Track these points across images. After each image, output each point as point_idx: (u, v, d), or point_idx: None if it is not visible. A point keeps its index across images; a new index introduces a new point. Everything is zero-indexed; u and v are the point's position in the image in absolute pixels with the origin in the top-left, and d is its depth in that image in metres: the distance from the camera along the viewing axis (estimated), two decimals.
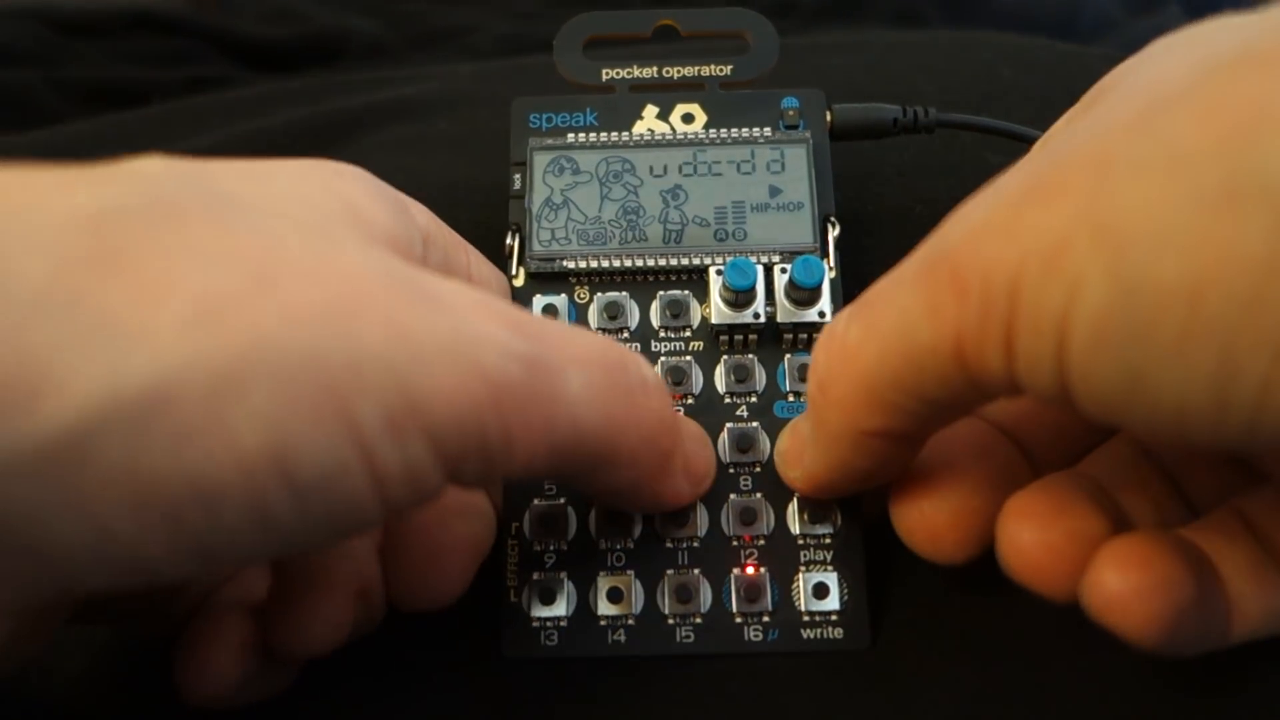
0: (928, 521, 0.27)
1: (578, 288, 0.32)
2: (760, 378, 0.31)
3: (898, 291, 0.23)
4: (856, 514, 0.30)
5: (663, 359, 0.31)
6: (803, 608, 0.29)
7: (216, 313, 0.19)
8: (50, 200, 0.19)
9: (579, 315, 0.32)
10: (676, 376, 0.31)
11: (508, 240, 0.33)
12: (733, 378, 0.31)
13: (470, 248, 0.31)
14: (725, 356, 0.31)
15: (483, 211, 0.38)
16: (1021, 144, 0.37)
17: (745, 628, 0.29)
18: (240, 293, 0.19)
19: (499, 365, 0.21)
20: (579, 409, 0.23)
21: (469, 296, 0.23)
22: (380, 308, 0.21)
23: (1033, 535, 0.25)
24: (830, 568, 0.29)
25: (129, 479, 0.18)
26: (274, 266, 0.20)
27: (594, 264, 0.32)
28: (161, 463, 0.18)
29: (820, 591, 0.29)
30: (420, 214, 0.28)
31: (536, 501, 0.30)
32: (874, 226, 0.37)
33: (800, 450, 0.28)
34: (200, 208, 0.21)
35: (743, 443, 0.30)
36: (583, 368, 0.23)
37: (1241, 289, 0.18)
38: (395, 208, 0.26)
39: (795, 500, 0.30)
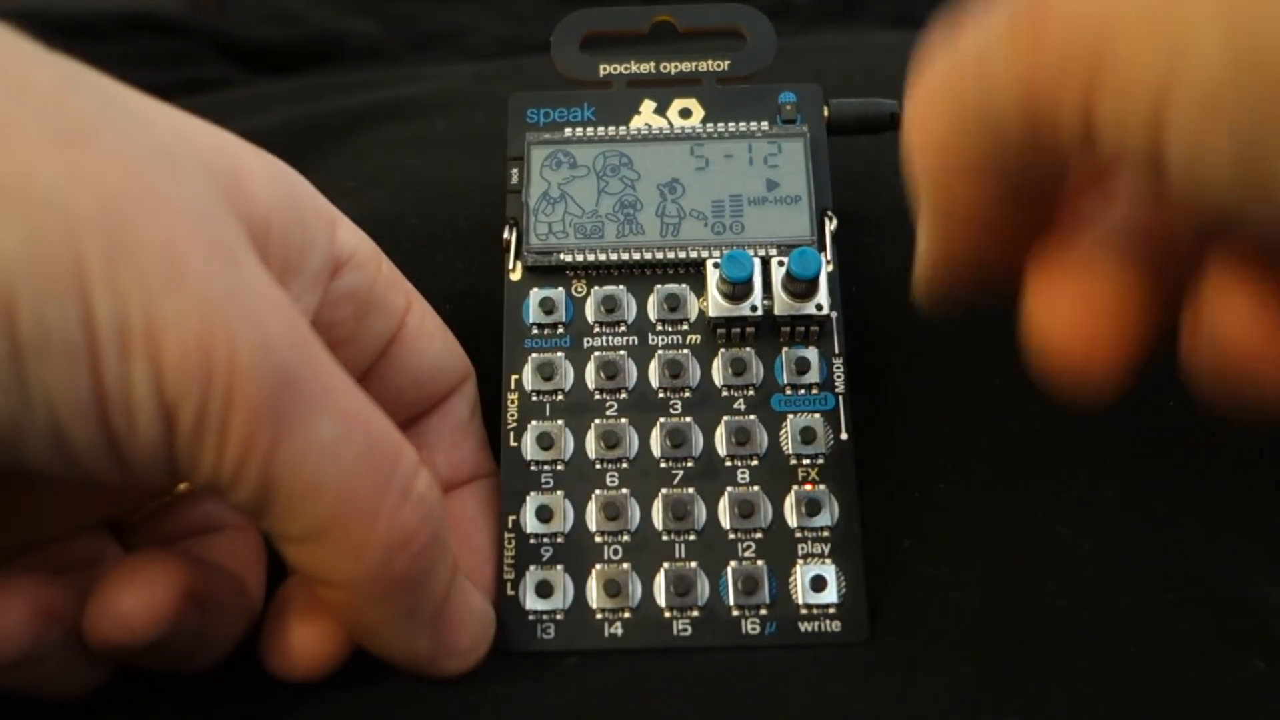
0: (1070, 318, 0.22)
1: (575, 281, 0.32)
2: (758, 371, 0.31)
3: (982, 27, 0.20)
4: (854, 506, 0.29)
5: (660, 352, 0.31)
6: (800, 600, 0.29)
7: (3, 136, 0.19)
8: None
9: (576, 309, 0.32)
10: (674, 370, 0.31)
11: (505, 234, 0.33)
12: (730, 371, 0.31)
13: (419, 299, 0.30)
14: (723, 350, 0.31)
15: (481, 211, 0.38)
16: None
17: (743, 621, 0.29)
18: (35, 135, 0.19)
19: (250, 351, 0.21)
20: (315, 456, 0.22)
21: (274, 298, 0.22)
22: (167, 227, 0.20)
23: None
24: (828, 560, 0.29)
25: None
26: (86, 136, 0.20)
27: (591, 257, 0.32)
28: None
29: (818, 584, 0.29)
30: (350, 236, 0.28)
31: (533, 494, 0.30)
32: (871, 224, 0.37)
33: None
34: (58, 68, 0.21)
35: (740, 435, 0.30)
36: (345, 425, 0.22)
37: None
38: (289, 205, 0.25)
39: (793, 493, 0.30)
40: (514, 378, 0.31)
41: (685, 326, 0.32)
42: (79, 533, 0.27)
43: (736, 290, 0.30)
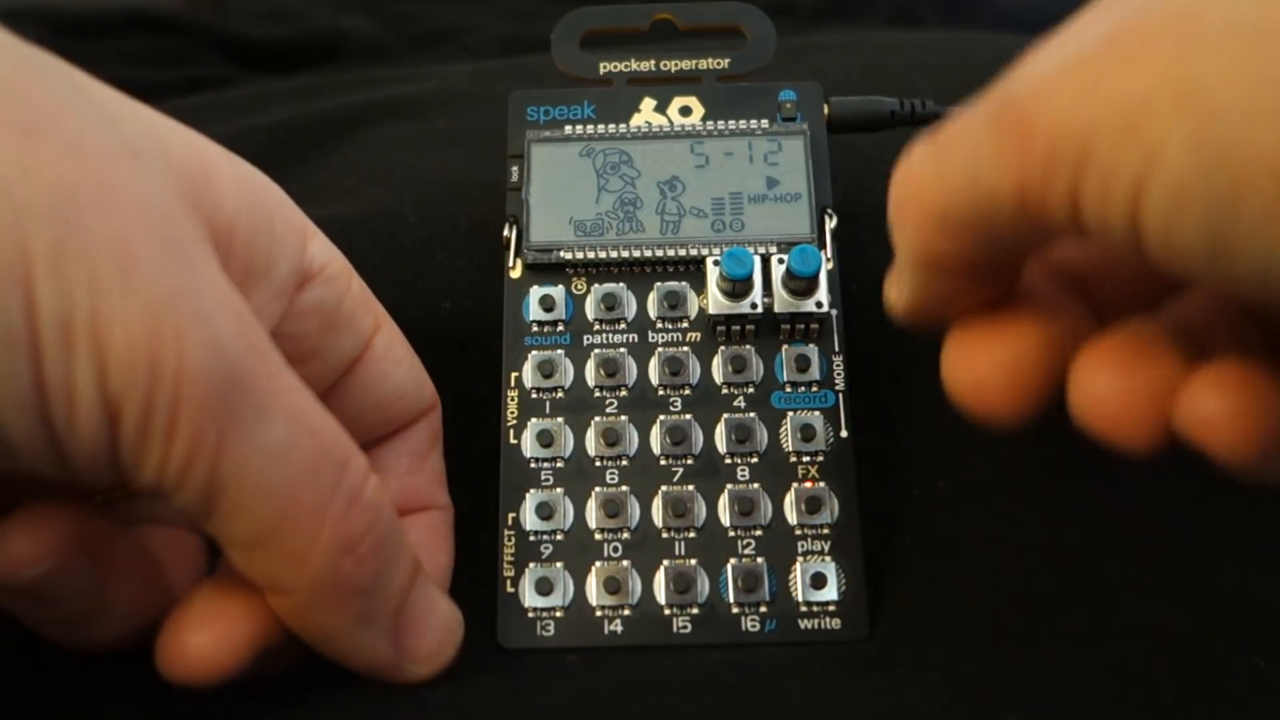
0: (976, 372, 0.25)
1: (575, 279, 0.32)
2: (758, 368, 0.31)
3: (968, 131, 0.22)
4: (854, 504, 0.29)
5: (660, 350, 0.31)
6: (800, 598, 0.29)
7: None
8: None
9: (576, 306, 0.32)
10: (674, 367, 0.31)
11: (505, 232, 0.33)
12: (730, 368, 0.31)
13: (389, 322, 0.30)
14: (723, 347, 0.31)
15: (481, 208, 0.38)
16: None
17: (743, 618, 0.29)
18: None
19: (198, 351, 0.20)
20: (261, 459, 0.22)
21: (226, 299, 0.22)
22: (119, 223, 0.20)
23: (1109, 383, 0.23)
24: (828, 558, 0.29)
25: None
26: (44, 126, 0.20)
27: (591, 255, 0.32)
28: None
29: (818, 581, 0.29)
30: (322, 249, 0.27)
31: (533, 491, 0.30)
32: (871, 223, 0.37)
33: (895, 278, 0.27)
34: (23, 57, 0.21)
35: (740, 433, 0.30)
36: (293, 430, 0.22)
37: None
38: (256, 212, 0.25)
39: (793, 490, 0.30)
40: (514, 375, 0.31)
41: (685, 324, 0.32)
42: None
43: (736, 288, 0.30)
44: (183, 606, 0.25)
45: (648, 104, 0.34)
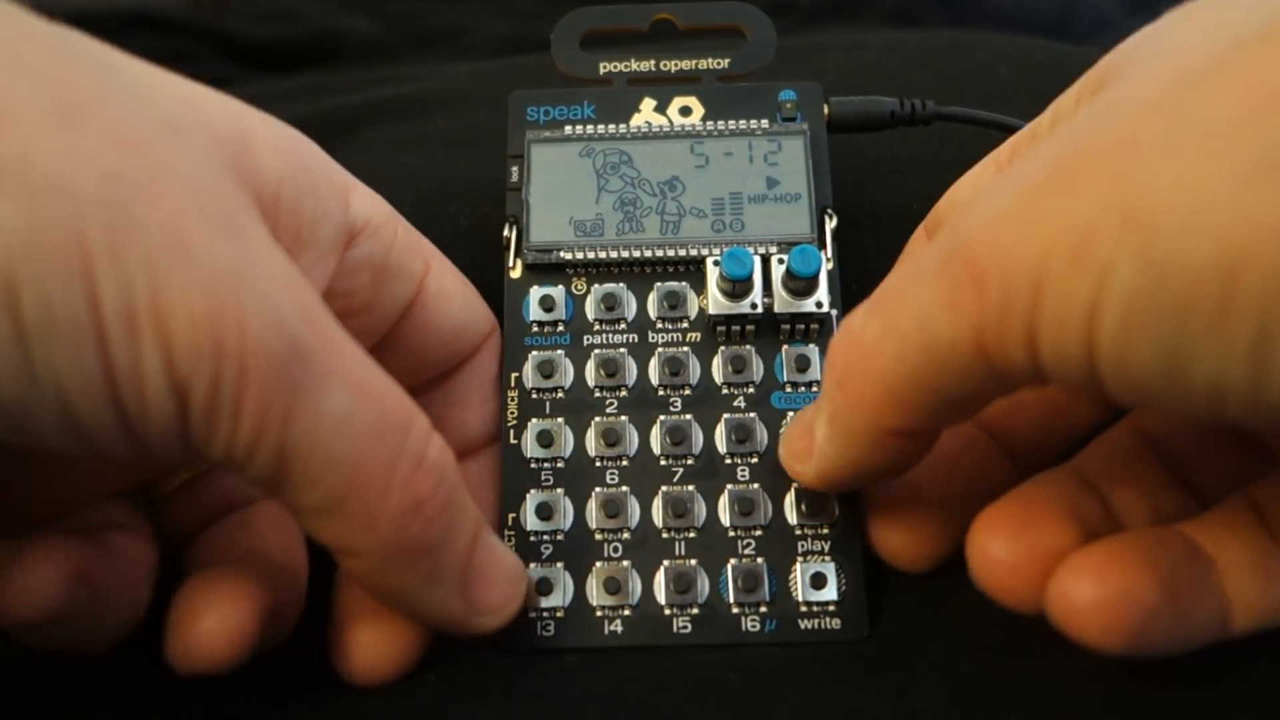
0: (895, 535, 0.28)
1: (575, 279, 0.32)
2: (758, 368, 0.31)
3: (915, 285, 0.23)
4: (853, 504, 0.29)
5: (660, 350, 0.31)
6: (800, 598, 0.29)
7: (3, 117, 0.19)
8: None
9: (576, 307, 0.32)
10: (674, 367, 0.31)
11: (505, 232, 0.33)
12: (730, 368, 0.31)
13: (439, 259, 0.30)
14: (723, 347, 0.31)
15: (481, 208, 0.38)
16: None
17: (743, 618, 0.29)
18: (35, 114, 0.19)
19: (260, 328, 0.21)
20: (328, 429, 0.22)
21: (282, 271, 0.22)
22: (170, 204, 0.20)
23: (999, 550, 0.25)
24: (828, 558, 0.29)
25: None
26: (87, 113, 0.20)
27: (591, 255, 0.32)
28: None
29: (818, 582, 0.29)
30: (364, 203, 0.28)
31: (533, 492, 0.30)
32: (871, 222, 0.37)
33: (809, 446, 0.27)
34: (55, 41, 0.21)
35: (740, 433, 0.30)
36: (356, 397, 0.23)
37: (1278, 263, 0.18)
38: (300, 175, 0.25)
39: (793, 491, 0.30)
40: (514, 375, 0.31)
41: (685, 324, 0.32)
42: (102, 501, 0.27)
43: (736, 288, 0.30)
44: (182, 602, 0.25)
45: (648, 104, 0.34)
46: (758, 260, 0.31)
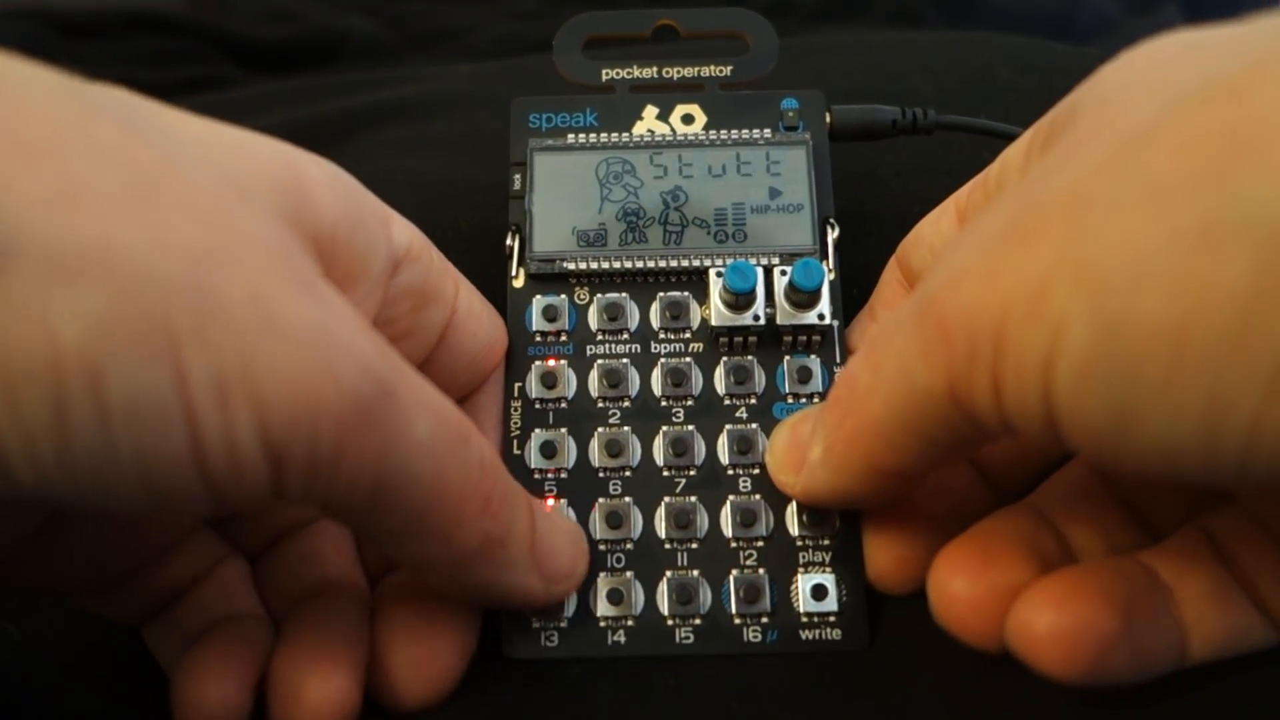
0: (878, 564, 0.29)
1: (578, 289, 0.32)
2: (760, 379, 0.31)
3: (895, 336, 0.23)
4: (855, 515, 0.30)
5: (662, 360, 0.31)
6: (801, 609, 0.29)
7: (79, 204, 0.19)
8: None
9: (579, 316, 0.32)
10: (676, 378, 0.31)
11: (508, 241, 0.33)
12: (732, 379, 0.31)
13: (464, 281, 0.31)
14: (725, 358, 0.31)
15: (481, 211, 0.38)
16: None
17: (744, 628, 0.29)
18: (111, 196, 0.19)
19: (353, 377, 0.21)
20: (416, 455, 0.23)
21: (350, 312, 0.22)
22: (251, 272, 0.20)
23: (960, 588, 0.26)
24: (829, 569, 0.29)
25: None
26: (158, 188, 0.20)
27: (594, 265, 0.32)
28: None
29: (819, 593, 0.29)
30: (403, 232, 0.28)
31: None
32: (872, 227, 0.37)
33: (798, 461, 0.28)
34: (116, 114, 0.21)
35: (742, 445, 0.30)
36: (434, 420, 0.23)
37: (1226, 325, 0.18)
38: (353, 214, 0.26)
39: (794, 502, 0.30)
40: (517, 385, 0.31)
41: (688, 334, 0.32)
42: (186, 539, 0.28)
43: (739, 300, 0.31)
44: (284, 673, 0.26)
45: (650, 112, 0.34)
46: (760, 272, 0.31)
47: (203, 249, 0.20)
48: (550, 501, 0.30)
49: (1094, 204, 0.20)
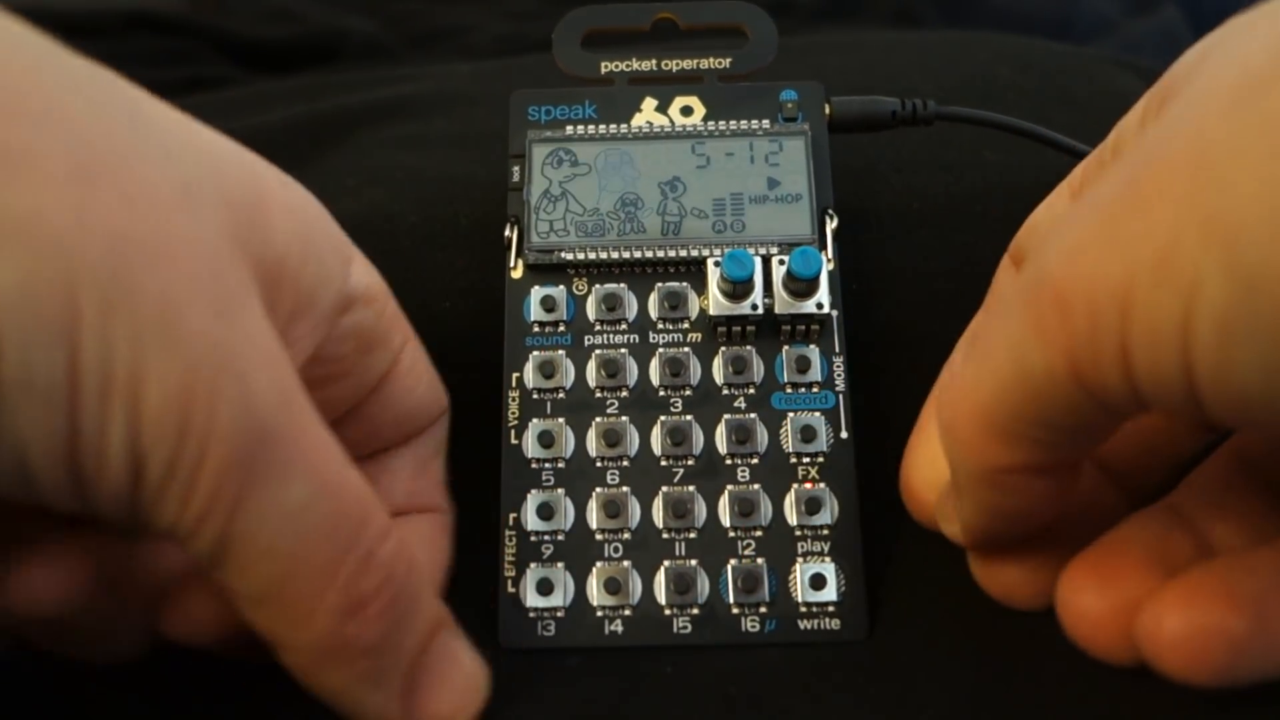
0: (1006, 578, 0.27)
1: (576, 279, 0.32)
2: (758, 369, 0.31)
3: (1004, 321, 0.22)
4: (854, 505, 0.29)
5: (661, 350, 0.31)
6: (800, 598, 0.29)
7: (16, 166, 0.19)
8: None
9: (577, 307, 0.32)
10: (674, 368, 0.31)
11: (506, 232, 0.33)
12: (731, 369, 0.31)
13: (414, 338, 0.30)
14: (723, 348, 0.31)
15: (481, 207, 0.38)
16: (1018, 139, 0.37)
17: (742, 618, 0.29)
18: (51, 169, 0.19)
19: (233, 410, 0.20)
20: (275, 520, 0.21)
21: (265, 352, 0.22)
22: (167, 274, 0.20)
23: (1087, 605, 0.25)
24: (828, 558, 0.29)
25: None
26: (102, 171, 0.20)
27: (592, 255, 0.32)
28: None
29: (817, 582, 0.29)
30: (363, 274, 0.27)
31: (534, 492, 0.30)
32: (872, 223, 0.37)
33: (949, 509, 0.27)
34: (88, 90, 0.21)
35: (740, 434, 0.30)
36: (315, 491, 0.22)
37: None
38: (308, 244, 0.25)
39: (793, 491, 0.30)
40: (515, 375, 0.31)
41: (686, 325, 0.32)
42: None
43: (737, 289, 0.30)
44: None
45: (649, 104, 0.34)
46: (758, 261, 0.31)
47: (128, 240, 0.20)
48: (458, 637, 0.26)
49: (1218, 154, 0.19)
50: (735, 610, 0.29)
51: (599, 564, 0.29)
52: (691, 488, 0.30)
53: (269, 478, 0.21)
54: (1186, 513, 0.26)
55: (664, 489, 0.30)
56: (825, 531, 0.29)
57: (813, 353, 0.31)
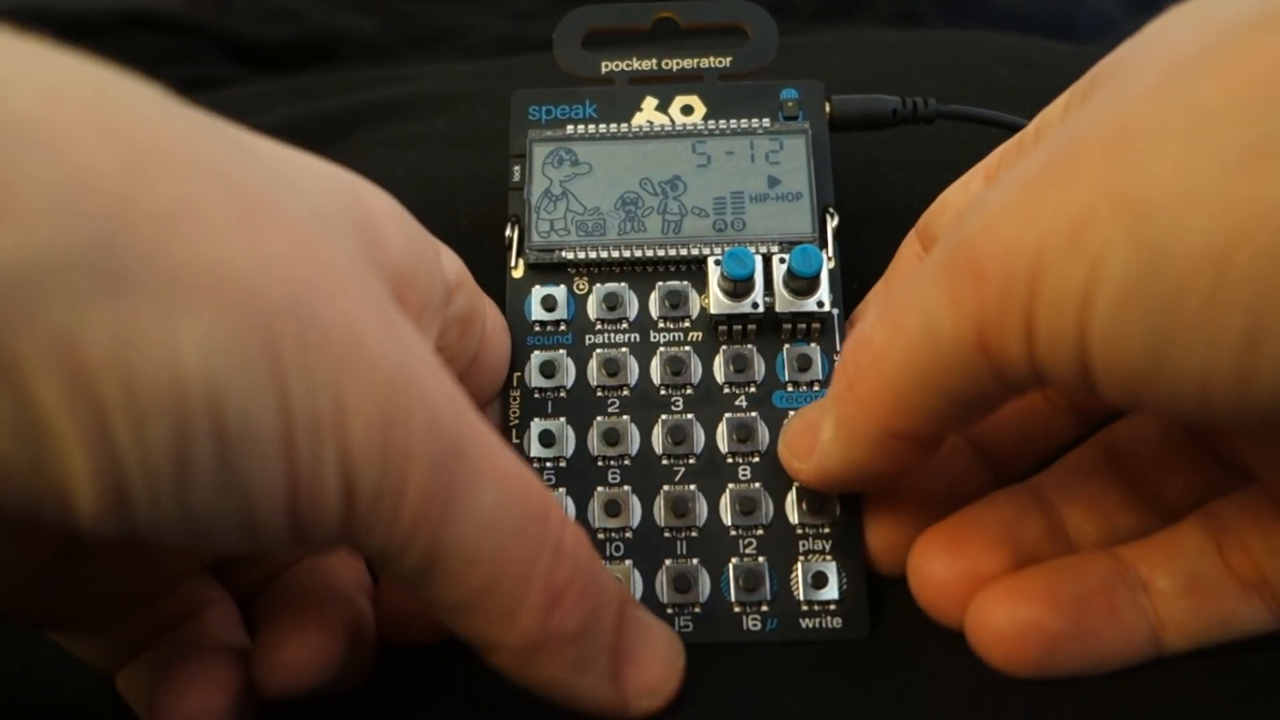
0: (874, 540, 0.29)
1: (577, 278, 0.32)
2: (759, 367, 0.31)
3: (919, 287, 0.23)
4: (855, 503, 0.29)
5: (662, 349, 0.31)
6: (801, 597, 0.29)
7: (194, 222, 0.18)
8: (62, 54, 0.19)
9: (578, 306, 0.32)
10: (675, 367, 0.31)
11: (507, 232, 0.33)
12: (731, 368, 0.31)
13: (488, 300, 0.30)
14: (724, 346, 0.31)
15: (481, 208, 0.38)
16: None
17: (744, 617, 0.29)
18: (222, 217, 0.19)
19: (425, 426, 0.21)
20: (477, 527, 0.22)
21: (432, 365, 0.22)
22: (344, 304, 0.20)
23: (934, 571, 0.26)
24: (829, 557, 0.29)
25: (65, 354, 0.17)
26: (263, 211, 0.19)
27: (593, 255, 0.32)
28: (100, 346, 0.17)
29: (819, 581, 0.29)
30: (451, 262, 0.28)
31: None
32: (872, 221, 0.37)
33: (811, 443, 0.27)
34: (216, 133, 0.20)
35: (741, 432, 0.30)
36: (502, 492, 0.22)
37: (1271, 246, 0.18)
38: (418, 248, 0.25)
39: (794, 490, 0.30)
40: (516, 375, 0.31)
41: (687, 323, 0.32)
42: (188, 576, 0.27)
43: (738, 287, 0.30)
44: (270, 625, 0.25)
45: (649, 103, 0.34)
46: (759, 260, 0.31)
47: (304, 275, 0.19)
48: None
49: (1139, 133, 0.19)
50: (736, 609, 0.29)
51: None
52: (693, 487, 0.30)
53: (464, 487, 0.21)
54: (1047, 497, 0.28)
55: (665, 488, 0.30)
56: (826, 530, 0.29)
57: (814, 351, 0.31)
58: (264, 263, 0.19)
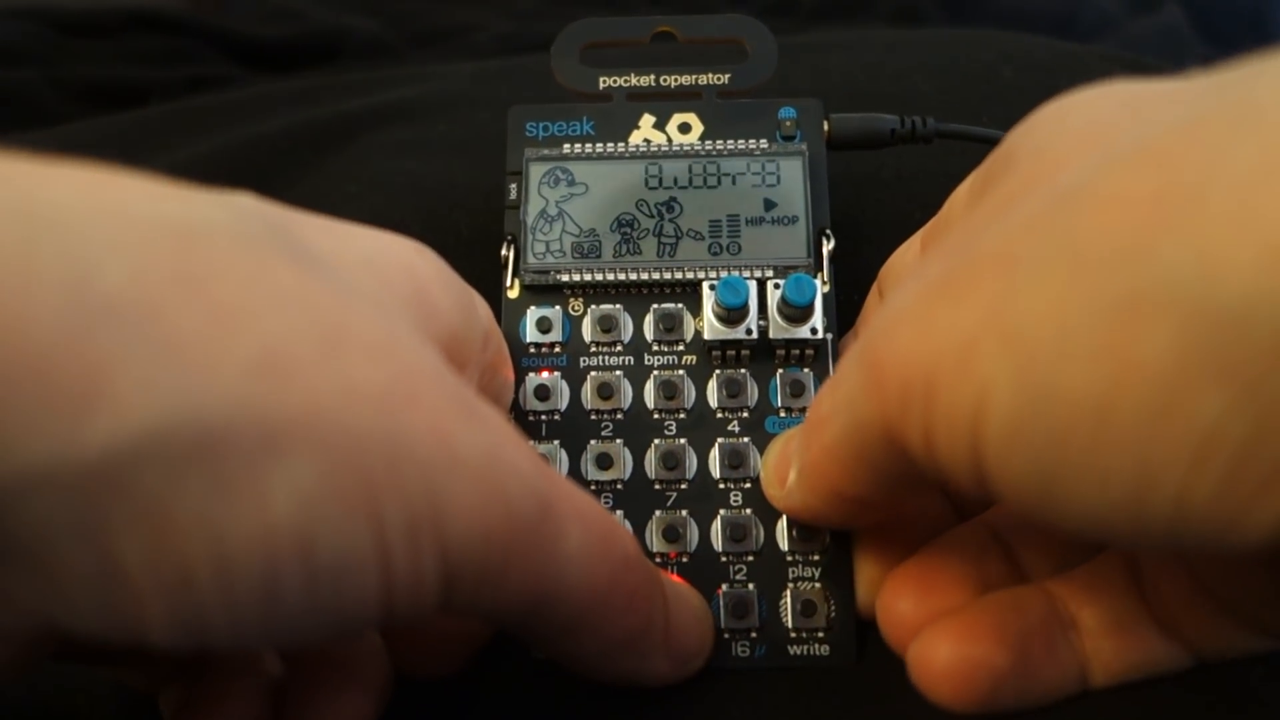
0: (863, 588, 0.29)
1: (572, 300, 0.32)
2: (752, 393, 0.31)
3: (847, 369, 0.24)
4: (845, 533, 0.30)
5: (655, 372, 0.32)
6: (790, 624, 0.29)
7: (282, 368, 0.18)
8: (138, 206, 0.19)
9: (573, 328, 0.32)
10: (669, 391, 0.31)
11: (503, 251, 0.33)
12: (725, 393, 0.31)
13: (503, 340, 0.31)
14: (718, 371, 0.31)
15: (481, 215, 0.39)
16: None
17: (733, 643, 0.29)
18: (307, 352, 0.19)
19: (519, 498, 0.21)
20: (569, 567, 0.22)
21: (503, 423, 0.22)
22: (428, 407, 0.20)
23: (904, 611, 0.27)
24: (818, 584, 0.29)
25: (154, 519, 0.17)
26: (343, 332, 0.20)
27: (588, 277, 0.32)
28: (190, 510, 0.17)
29: (807, 609, 0.29)
30: (483, 308, 0.28)
31: None
32: (872, 232, 0.37)
33: (785, 476, 0.28)
34: (284, 249, 0.20)
35: (733, 459, 0.30)
36: (583, 527, 0.23)
37: (1149, 400, 0.17)
38: (463, 303, 0.26)
39: (784, 517, 0.30)
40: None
41: (681, 347, 0.32)
42: None
43: (732, 314, 0.31)
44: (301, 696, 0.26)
45: (646, 120, 0.34)
46: (753, 287, 0.31)
47: (387, 392, 0.20)
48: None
49: (1021, 266, 0.19)
50: (726, 635, 0.29)
51: None
52: (684, 512, 0.30)
53: (556, 538, 0.22)
54: (1002, 535, 0.28)
55: (657, 513, 0.30)
56: (816, 558, 0.30)
57: (807, 377, 0.31)
58: (350, 391, 0.19)
